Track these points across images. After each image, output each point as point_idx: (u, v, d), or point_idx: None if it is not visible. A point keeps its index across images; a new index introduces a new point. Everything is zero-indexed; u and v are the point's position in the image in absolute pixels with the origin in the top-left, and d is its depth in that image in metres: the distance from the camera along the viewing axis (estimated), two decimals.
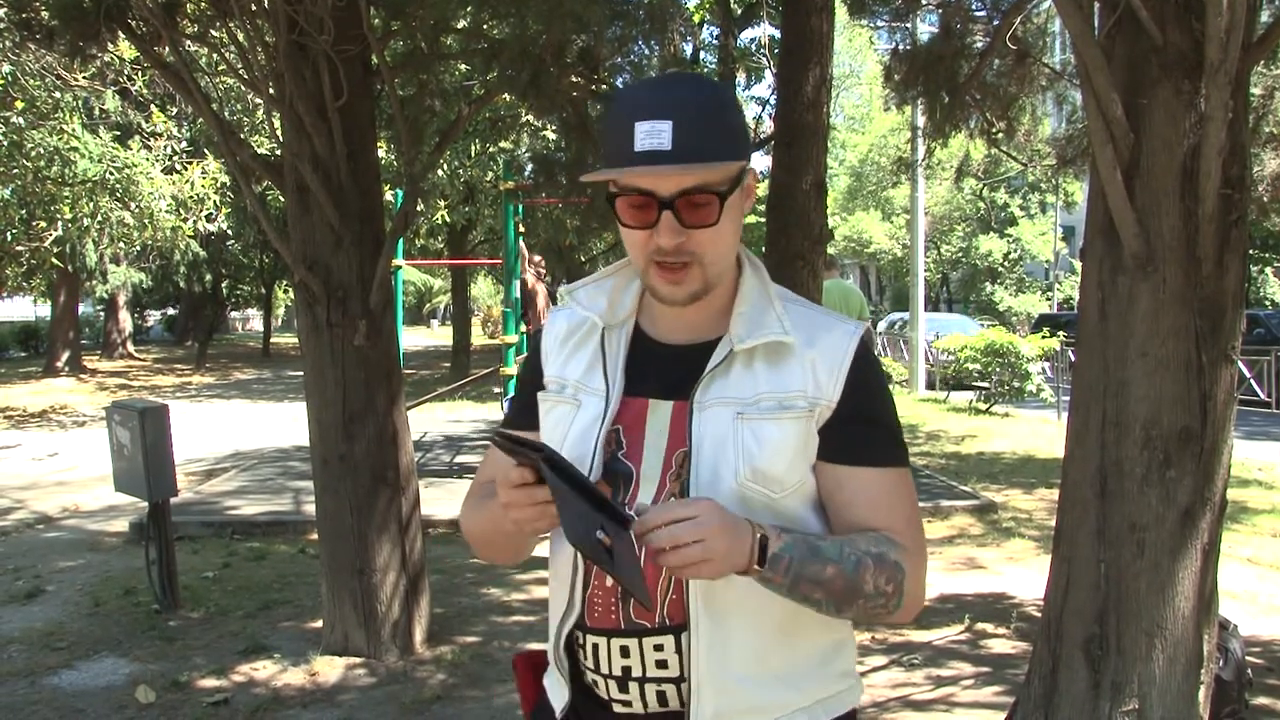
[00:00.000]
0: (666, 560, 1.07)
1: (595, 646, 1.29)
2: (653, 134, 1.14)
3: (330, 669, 4.08)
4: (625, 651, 1.27)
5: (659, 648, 1.25)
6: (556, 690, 1.37)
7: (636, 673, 1.27)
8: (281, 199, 4.45)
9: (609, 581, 1.26)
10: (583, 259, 22.22)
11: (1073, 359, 3.42)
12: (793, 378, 1.24)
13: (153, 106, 12.50)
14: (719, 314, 1.28)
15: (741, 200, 1.24)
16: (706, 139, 1.15)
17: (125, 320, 26.58)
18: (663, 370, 1.29)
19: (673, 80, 1.22)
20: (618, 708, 1.30)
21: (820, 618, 1.24)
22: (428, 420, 12.14)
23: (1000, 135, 5.35)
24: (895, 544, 1.22)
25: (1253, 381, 13.62)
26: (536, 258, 10.10)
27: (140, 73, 10.82)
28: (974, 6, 4.95)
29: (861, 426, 1.25)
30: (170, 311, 35.91)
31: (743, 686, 1.24)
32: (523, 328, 9.75)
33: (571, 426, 1.30)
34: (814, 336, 1.26)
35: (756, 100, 18.27)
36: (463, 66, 6.74)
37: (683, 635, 1.23)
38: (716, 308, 1.28)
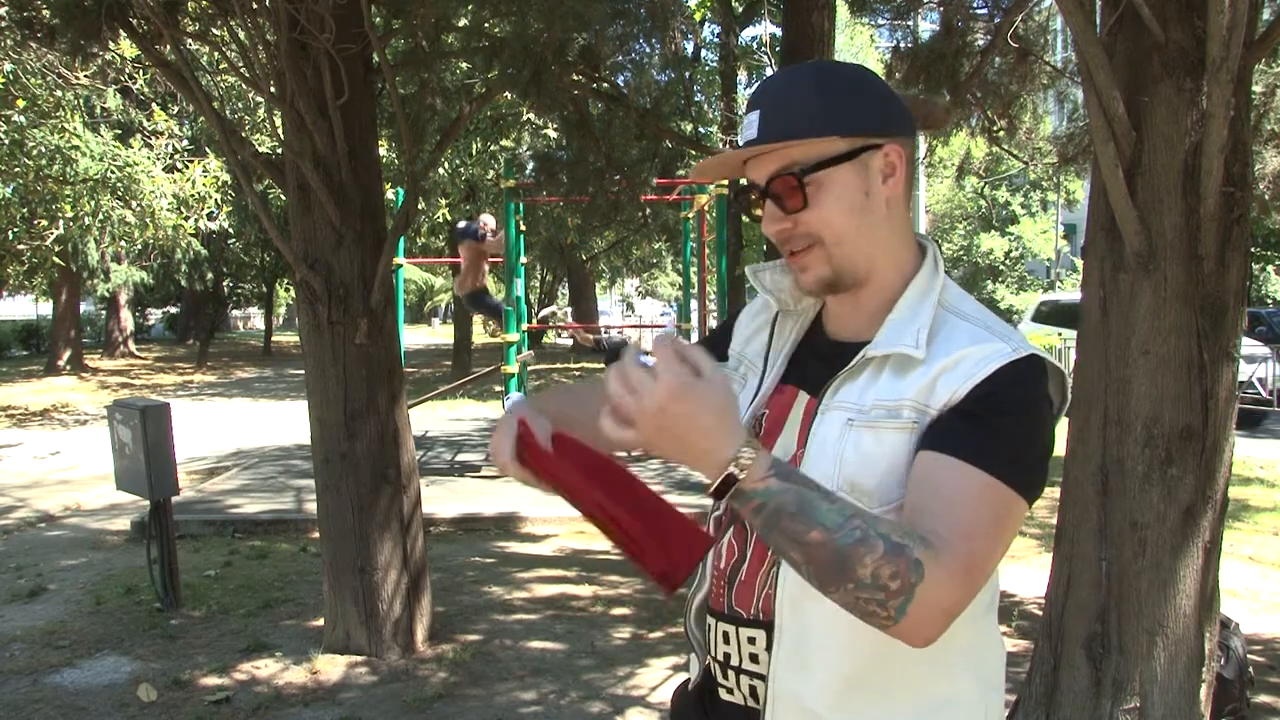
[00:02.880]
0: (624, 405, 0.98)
1: (710, 627, 1.29)
2: (748, 126, 1.16)
3: (332, 667, 4.08)
4: (726, 637, 1.25)
5: (752, 640, 1.22)
6: (693, 663, 1.37)
7: (734, 661, 1.25)
8: (283, 197, 4.45)
9: (722, 564, 1.26)
10: (584, 257, 22.24)
11: (1074, 357, 3.41)
12: (909, 387, 1.12)
13: (154, 105, 12.49)
14: (881, 314, 1.19)
15: (858, 178, 1.15)
16: (791, 119, 1.13)
17: (127, 319, 26.58)
18: (819, 365, 1.22)
19: (786, 69, 1.23)
20: (723, 693, 1.29)
21: (930, 665, 1.13)
22: (429, 419, 12.15)
23: (1001, 133, 5.36)
24: (928, 543, 0.98)
25: (1255, 380, 13.59)
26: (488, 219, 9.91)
27: (141, 71, 10.82)
28: (975, 4, 4.96)
29: (962, 420, 1.07)
30: (172, 310, 35.88)
31: (821, 711, 1.16)
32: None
33: None
34: (954, 350, 1.11)
35: None
36: (464, 65, 6.73)
37: (772, 633, 1.20)
38: (876, 306, 1.20)
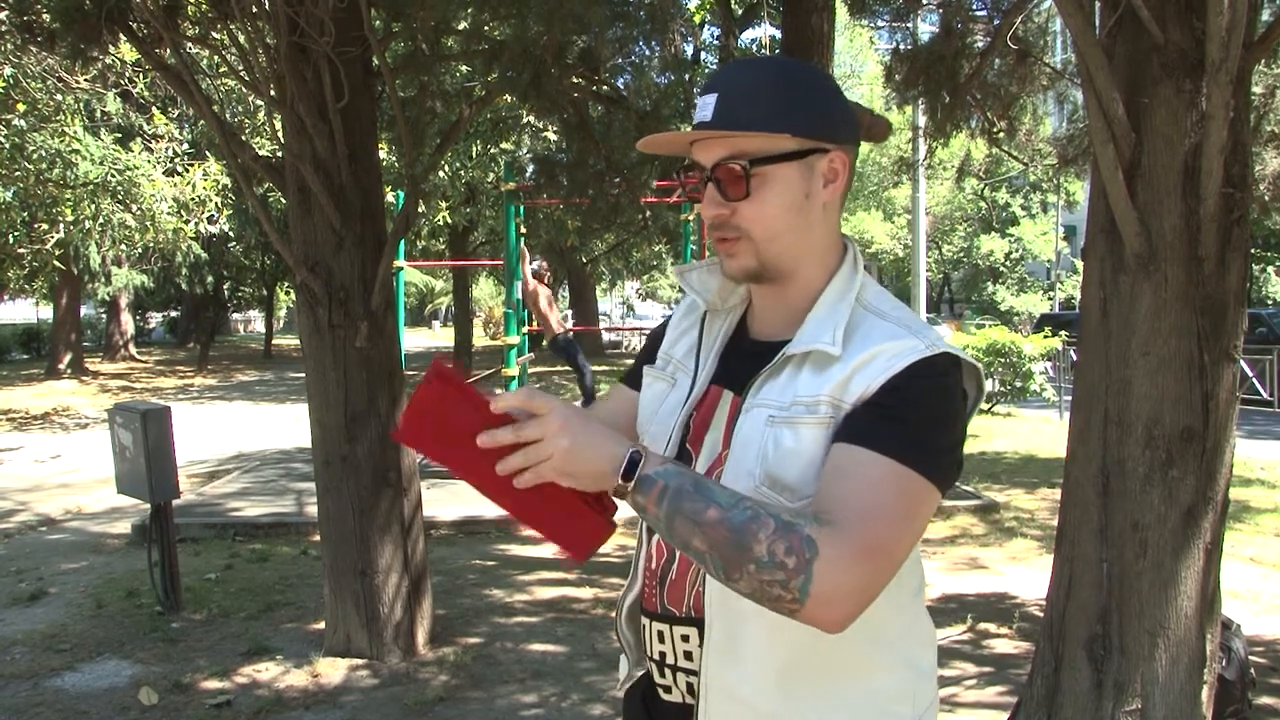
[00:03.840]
0: (526, 456, 1.05)
1: (643, 627, 1.31)
2: (703, 107, 1.17)
3: (333, 670, 4.08)
4: (661, 637, 1.28)
5: (685, 638, 1.24)
6: (623, 664, 1.40)
7: (670, 660, 1.27)
8: (283, 200, 4.45)
9: (653, 564, 1.28)
10: (584, 260, 22.24)
11: (1075, 358, 3.42)
12: (826, 383, 1.14)
13: (154, 109, 12.52)
14: (803, 313, 1.21)
15: (802, 179, 1.17)
16: (748, 109, 1.15)
17: (127, 322, 26.60)
18: (743, 364, 1.24)
19: (746, 59, 1.25)
20: (661, 692, 1.30)
21: (860, 653, 1.16)
22: None
23: (1001, 135, 5.36)
24: (820, 521, 1.02)
25: (1255, 380, 13.61)
26: (534, 264, 10.16)
27: (142, 75, 10.83)
28: (975, 6, 4.96)
29: (872, 412, 1.10)
30: (172, 313, 35.93)
31: (755, 702, 1.18)
32: (526, 329, 9.79)
33: (662, 404, 1.31)
34: (870, 345, 1.14)
35: None
36: (464, 68, 6.74)
37: (704, 629, 1.21)
38: (798, 305, 1.22)
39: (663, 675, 1.29)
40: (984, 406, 13.47)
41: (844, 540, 1.01)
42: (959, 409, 1.14)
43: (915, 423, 1.09)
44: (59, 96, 10.64)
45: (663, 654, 1.28)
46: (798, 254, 1.21)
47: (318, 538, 4.59)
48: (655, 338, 1.43)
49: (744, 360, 1.25)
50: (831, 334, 1.16)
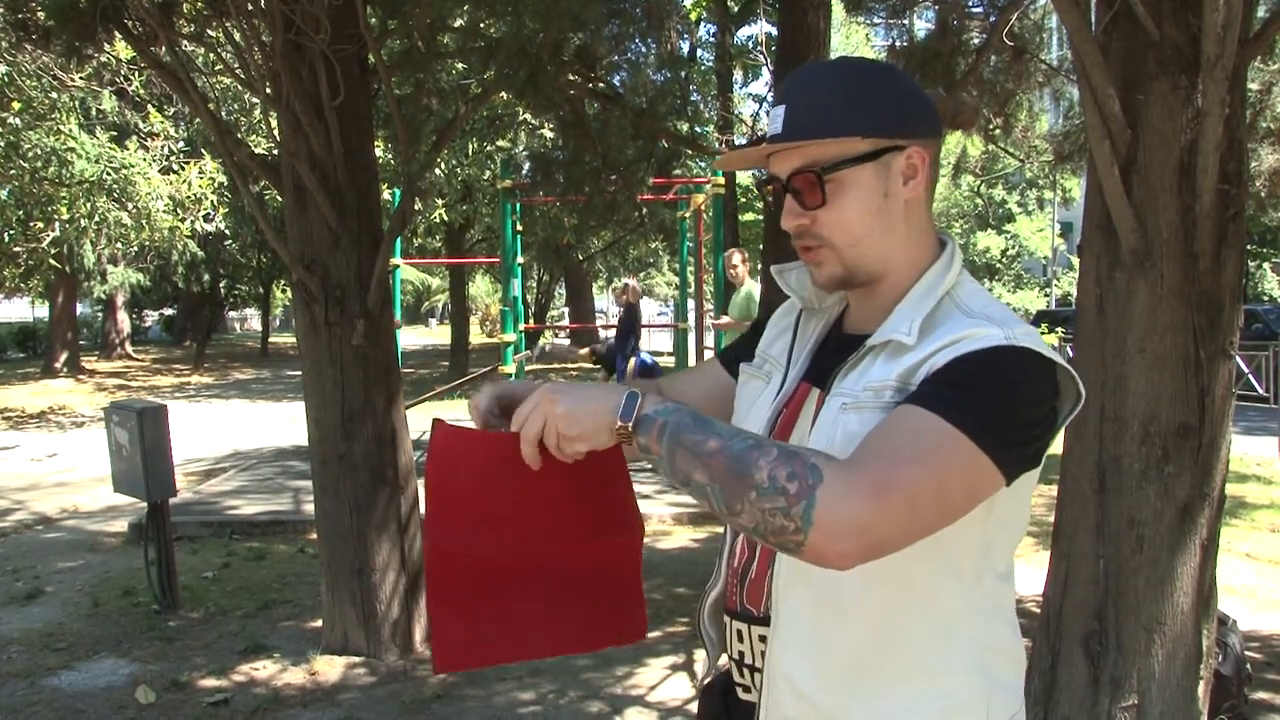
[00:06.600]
0: (524, 436, 1.09)
1: (726, 626, 1.31)
2: (774, 119, 1.18)
3: (330, 668, 4.08)
4: (740, 636, 1.27)
5: (763, 638, 1.22)
6: (706, 661, 1.39)
7: (748, 659, 1.26)
8: (279, 198, 4.44)
9: (736, 562, 1.28)
10: (580, 257, 22.21)
11: (1071, 355, 3.42)
12: (894, 370, 1.11)
13: (150, 107, 12.48)
14: (891, 309, 1.19)
15: (879, 180, 1.15)
16: (815, 116, 1.14)
17: (123, 320, 26.57)
18: (832, 359, 1.22)
19: (811, 65, 1.24)
20: (741, 691, 1.29)
21: (929, 656, 1.13)
22: (427, 419, 12.12)
23: (998, 131, 5.36)
24: (830, 457, 1.00)
25: (1251, 376, 13.64)
26: None
27: (137, 73, 10.80)
28: (971, 2, 4.96)
29: (932, 381, 1.07)
30: (168, 312, 35.88)
31: (815, 697, 1.16)
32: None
33: (755, 402, 1.31)
34: (948, 336, 1.10)
35: (754, 98, 18.29)
36: (460, 65, 6.73)
37: None
38: (890, 302, 1.19)
39: (742, 675, 1.28)
40: None
41: (855, 472, 0.97)
42: (1031, 400, 1.07)
43: (973, 392, 1.03)
44: (54, 94, 10.61)
45: (742, 653, 1.27)
46: (883, 255, 1.19)
47: (315, 536, 4.59)
48: (757, 328, 1.43)
49: (834, 355, 1.23)
50: (909, 325, 1.13)
